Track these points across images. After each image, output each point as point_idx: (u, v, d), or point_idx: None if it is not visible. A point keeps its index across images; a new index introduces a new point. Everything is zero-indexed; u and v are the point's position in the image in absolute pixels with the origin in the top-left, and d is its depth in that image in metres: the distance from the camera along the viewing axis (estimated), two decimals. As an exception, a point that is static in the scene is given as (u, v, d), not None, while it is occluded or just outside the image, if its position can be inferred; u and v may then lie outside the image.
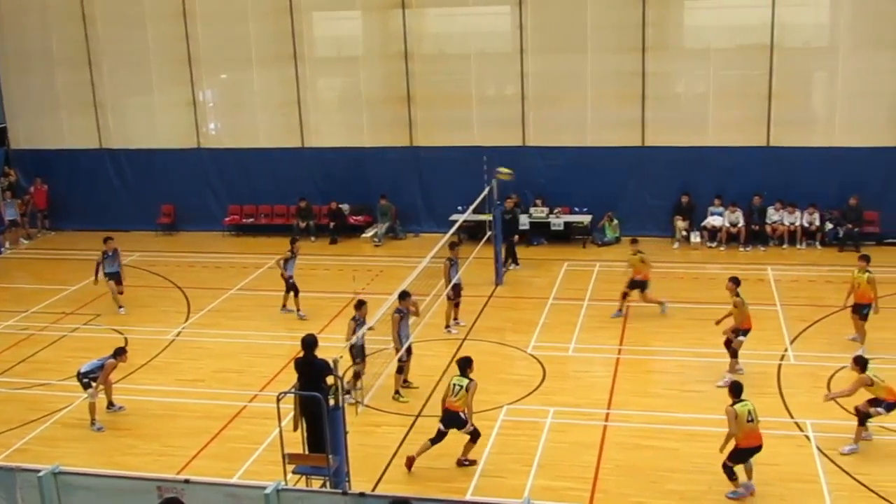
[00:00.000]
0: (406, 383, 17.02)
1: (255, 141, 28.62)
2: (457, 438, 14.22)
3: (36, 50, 29.32)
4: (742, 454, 13.04)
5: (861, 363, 14.37)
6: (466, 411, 14.07)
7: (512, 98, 26.66)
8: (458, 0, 27.13)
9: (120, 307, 21.68)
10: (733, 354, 16.87)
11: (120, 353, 16.30)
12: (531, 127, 26.57)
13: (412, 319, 16.95)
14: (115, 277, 21.76)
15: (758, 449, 13.05)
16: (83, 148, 29.58)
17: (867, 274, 17.79)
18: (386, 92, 27.45)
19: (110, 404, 16.64)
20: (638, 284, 20.08)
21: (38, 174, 29.64)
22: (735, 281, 17.07)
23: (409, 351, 16.71)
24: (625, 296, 20.14)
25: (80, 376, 16.14)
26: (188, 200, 29.00)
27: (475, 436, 14.19)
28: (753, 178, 25.12)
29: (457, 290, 19.95)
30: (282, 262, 21.00)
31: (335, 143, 28.04)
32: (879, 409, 14.16)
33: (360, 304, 16.28)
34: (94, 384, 16.00)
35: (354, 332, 15.81)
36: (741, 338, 16.77)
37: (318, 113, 28.35)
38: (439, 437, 14.09)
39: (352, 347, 15.71)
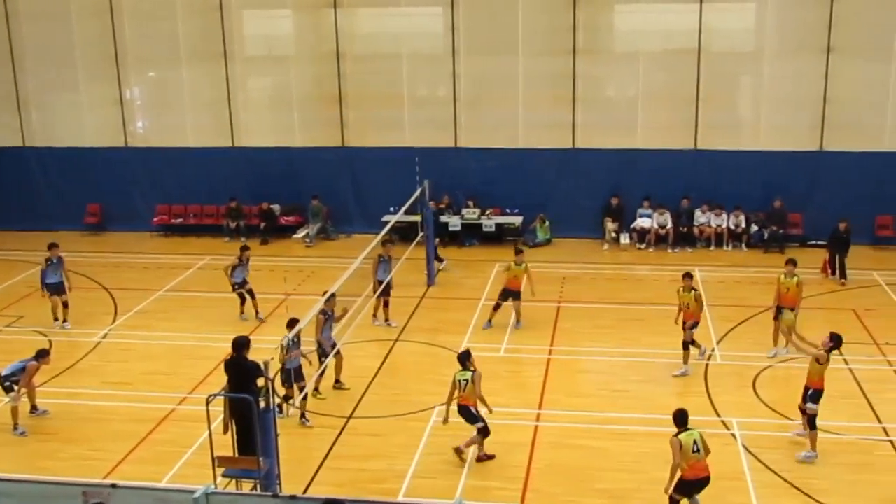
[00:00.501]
0: (338, 383, 16.98)
1: (185, 140, 28.24)
2: (385, 443, 14.21)
3: (-44, 45, 28.59)
4: (687, 486, 12.19)
5: (836, 340, 14.25)
6: (478, 403, 14.36)
7: (444, 99, 26.72)
8: (389, 0, 27.09)
9: (64, 321, 20.27)
10: (687, 347, 17.28)
11: (42, 354, 15.99)
12: (463, 128, 26.67)
13: (338, 323, 16.78)
14: (57, 289, 20.21)
15: (704, 481, 12.19)
16: (6, 146, 28.90)
17: (795, 278, 18.00)
18: (317, 91, 27.31)
19: (34, 408, 16.24)
20: (510, 294, 19.80)
21: (-42, 172, 28.91)
22: (689, 276, 17.61)
23: (337, 352, 16.62)
24: (497, 307, 19.76)
25: (2, 380, 15.77)
26: (115, 200, 28.50)
27: (484, 432, 14.34)
28: (682, 180, 25.57)
29: (386, 288, 19.90)
30: (230, 269, 20.61)
31: (266, 142, 27.82)
32: (814, 406, 14.19)
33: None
34: (16, 387, 15.64)
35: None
36: (693, 329, 17.33)
37: (249, 112, 28.09)
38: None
39: (287, 369, 15.36)
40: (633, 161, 25.75)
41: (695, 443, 12.07)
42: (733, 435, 14.98)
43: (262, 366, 12.17)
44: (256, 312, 20.69)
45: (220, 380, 14.74)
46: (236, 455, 12.54)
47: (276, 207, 27.47)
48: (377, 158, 26.89)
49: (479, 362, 17.65)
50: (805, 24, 24.57)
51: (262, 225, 27.10)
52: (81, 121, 28.83)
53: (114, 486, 8.21)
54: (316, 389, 16.64)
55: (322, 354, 16.26)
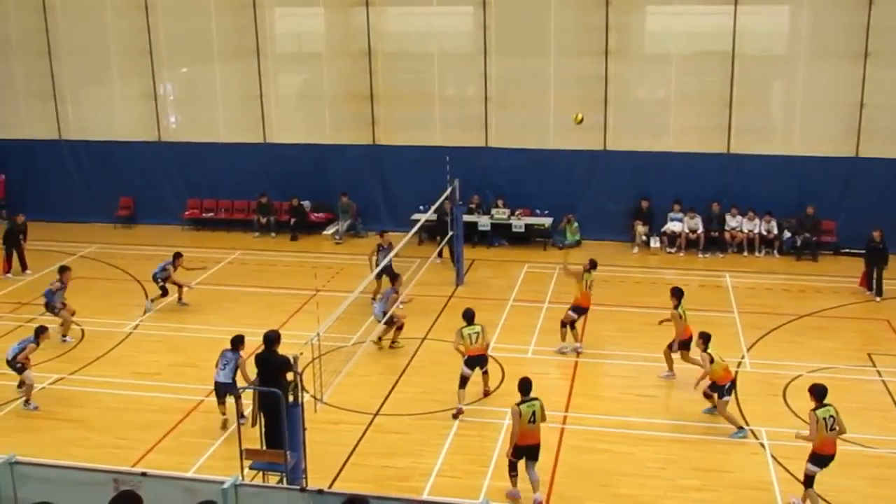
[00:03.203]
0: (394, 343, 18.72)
1: (216, 135, 28.43)
2: (406, 443, 14.21)
3: (-6, 38, 28.95)
4: (519, 451, 13.33)
5: (704, 338, 15.35)
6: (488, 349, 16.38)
7: (474, 99, 26.72)
8: (421, -1, 27.21)
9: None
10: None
11: (41, 332, 16.65)
12: (493, 128, 26.66)
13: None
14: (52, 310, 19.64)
15: (535, 447, 13.31)
16: (41, 139, 29.21)
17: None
18: (348, 89, 27.39)
19: (21, 383, 16.76)
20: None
21: (-6, 164, 29.27)
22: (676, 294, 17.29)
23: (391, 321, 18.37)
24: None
25: (10, 363, 16.39)
26: (147, 193, 28.75)
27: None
28: (712, 184, 25.39)
29: (390, 272, 19.98)
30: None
31: (296, 139, 27.93)
32: (726, 398, 15.04)
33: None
34: (28, 368, 16.38)
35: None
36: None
37: (280, 109, 28.22)
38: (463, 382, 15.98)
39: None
40: (664, 164, 25.61)
41: (532, 413, 13.24)
42: (762, 444, 14.88)
43: (292, 360, 12.25)
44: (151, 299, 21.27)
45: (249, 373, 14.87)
46: (264, 448, 12.64)
47: (306, 204, 27.58)
48: (407, 157, 26.93)
49: (505, 363, 17.78)
50: (841, 28, 24.32)
51: (292, 221, 27.20)
52: (115, 115, 29.11)
53: (144, 474, 8.28)
54: (394, 341, 18.65)
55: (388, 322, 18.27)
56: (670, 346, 17.35)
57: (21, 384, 16.81)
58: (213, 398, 16.38)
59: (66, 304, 19.59)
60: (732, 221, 25.22)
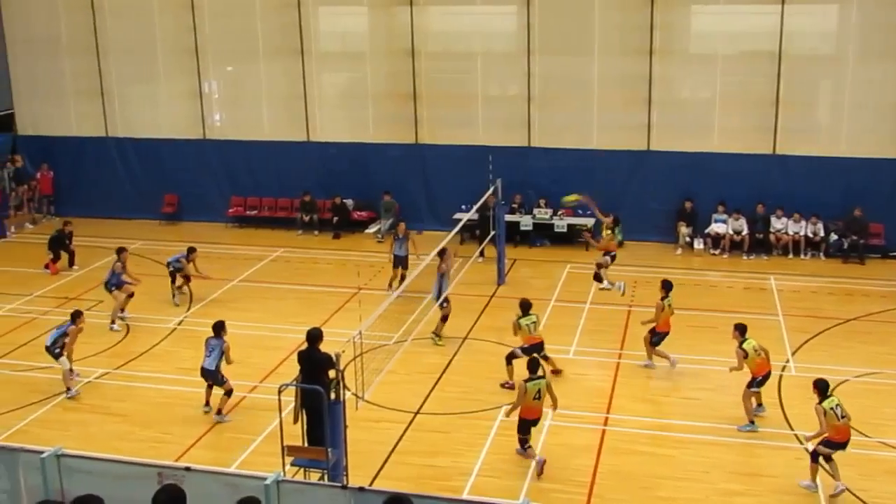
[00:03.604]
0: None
1: (260, 133, 28.65)
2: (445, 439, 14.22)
3: (44, 37, 29.37)
4: (525, 424, 14.33)
5: (740, 330, 15.50)
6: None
7: (517, 98, 26.65)
8: (465, -1, 27.21)
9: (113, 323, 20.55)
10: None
11: (77, 315, 17.19)
12: (536, 127, 26.57)
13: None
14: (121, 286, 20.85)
15: (536, 421, 14.42)
16: (89, 136, 29.62)
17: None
18: (391, 88, 27.46)
19: (70, 370, 17.12)
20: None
21: (45, 160, 29.66)
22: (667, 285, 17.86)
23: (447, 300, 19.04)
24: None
25: (49, 349, 16.85)
26: (192, 191, 29.03)
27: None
28: (757, 185, 25.09)
29: (404, 262, 21.69)
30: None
31: (339, 137, 28.05)
32: (753, 389, 15.32)
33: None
34: (64, 352, 16.78)
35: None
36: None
37: (323, 107, 28.35)
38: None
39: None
40: (708, 164, 25.37)
41: (538, 391, 14.17)
42: (806, 449, 14.68)
43: (334, 358, 12.30)
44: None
45: (290, 370, 14.99)
46: (305, 445, 12.70)
47: (349, 202, 27.69)
48: (449, 156, 26.93)
49: (546, 363, 17.70)
50: (891, 27, 23.91)
51: (335, 219, 27.32)
52: (161, 113, 29.44)
53: (188, 468, 8.35)
54: (436, 334, 18.97)
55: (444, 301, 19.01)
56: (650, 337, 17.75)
57: (72, 373, 17.19)
58: (257, 394, 16.57)
59: (125, 285, 20.62)
60: (778, 223, 24.93)
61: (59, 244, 24.25)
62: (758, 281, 22.97)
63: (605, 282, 20.13)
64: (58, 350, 16.91)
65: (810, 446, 13.67)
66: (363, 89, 27.93)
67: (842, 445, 13.38)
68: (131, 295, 20.74)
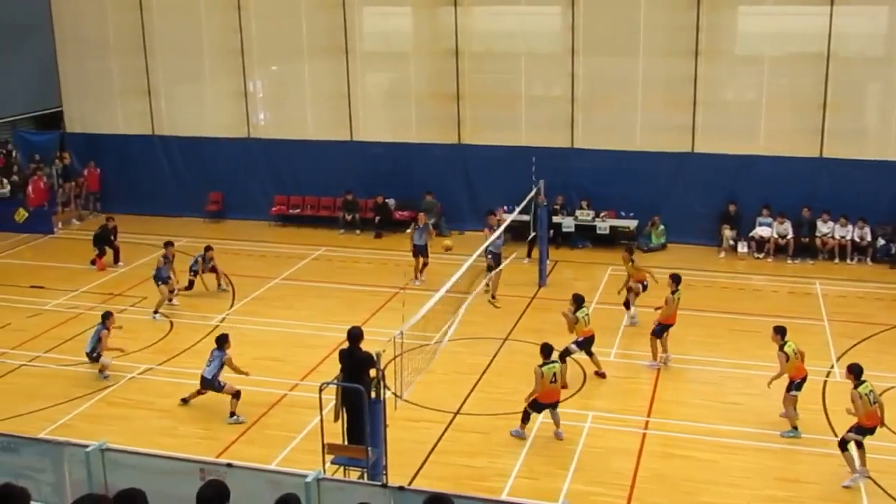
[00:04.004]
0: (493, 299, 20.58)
1: (304, 133, 28.83)
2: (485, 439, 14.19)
3: (93, 36, 29.82)
4: (539, 406, 15.09)
5: (780, 332, 15.51)
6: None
7: (560, 99, 26.55)
8: (509, -1, 27.16)
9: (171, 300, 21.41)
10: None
11: (106, 317, 17.62)
12: (579, 128, 26.45)
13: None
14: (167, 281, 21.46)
15: (555, 404, 15.19)
16: (135, 133, 29.98)
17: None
18: (434, 88, 27.48)
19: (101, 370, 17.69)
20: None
21: (91, 158, 30.06)
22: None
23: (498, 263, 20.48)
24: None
25: (89, 355, 17.44)
26: (236, 189, 29.26)
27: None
28: (803, 188, 24.76)
29: (424, 251, 22.58)
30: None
31: (382, 137, 28.14)
32: (794, 393, 15.30)
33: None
34: (103, 354, 17.38)
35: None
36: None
37: (367, 107, 28.45)
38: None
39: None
40: (753, 167, 25.09)
41: (553, 374, 14.96)
42: (851, 457, 14.49)
43: (375, 357, 12.34)
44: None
45: (331, 368, 15.06)
46: (345, 443, 12.75)
47: (390, 202, 27.76)
48: (492, 157, 26.90)
49: (587, 366, 17.66)
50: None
51: (377, 219, 27.39)
52: (206, 111, 29.73)
53: (229, 465, 8.42)
54: (493, 296, 20.48)
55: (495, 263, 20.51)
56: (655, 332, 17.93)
57: (102, 371, 17.57)
58: (297, 392, 16.69)
59: (170, 279, 21.26)
60: (824, 227, 24.59)
61: (104, 240, 24.56)
62: (803, 285, 22.68)
63: (634, 309, 20.03)
64: (96, 355, 17.43)
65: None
66: (406, 89, 27.99)
67: (871, 430, 13.65)
68: (173, 291, 21.30)
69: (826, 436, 15.16)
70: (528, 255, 23.68)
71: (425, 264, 22.63)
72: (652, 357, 17.95)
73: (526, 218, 23.24)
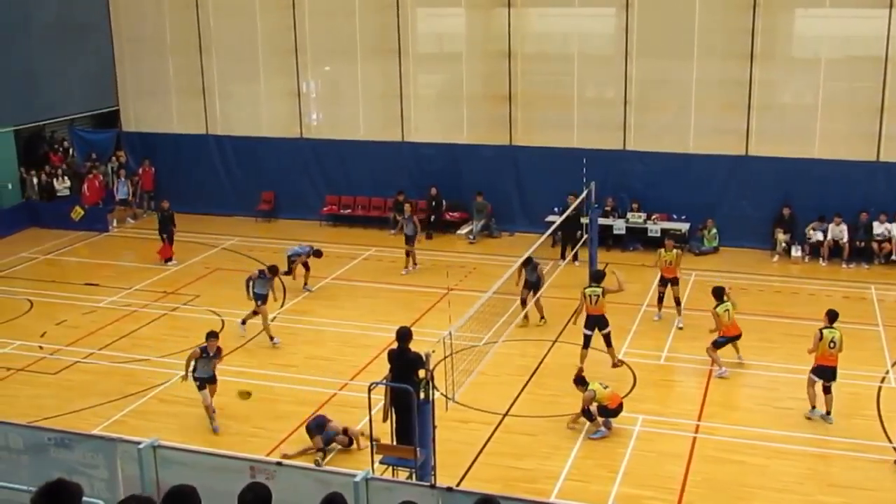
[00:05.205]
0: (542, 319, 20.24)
1: (356, 133, 28.98)
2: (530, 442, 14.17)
3: (150, 36, 30.25)
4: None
5: (831, 316, 15.91)
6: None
7: (614, 101, 26.39)
8: (563, 1, 27.00)
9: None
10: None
11: (211, 336, 16.02)
12: (632, 131, 26.27)
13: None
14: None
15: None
16: (190, 133, 30.35)
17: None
18: (486, 90, 27.48)
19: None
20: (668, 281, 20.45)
21: (146, 156, 30.49)
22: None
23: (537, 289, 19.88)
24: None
25: (196, 380, 15.91)
26: (288, 188, 29.48)
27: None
28: (859, 193, 24.33)
29: (411, 241, 23.80)
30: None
31: (434, 138, 28.16)
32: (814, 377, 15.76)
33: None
34: (206, 384, 15.89)
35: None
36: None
37: (419, 108, 28.50)
38: (587, 341, 17.68)
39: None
40: (808, 171, 24.70)
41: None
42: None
43: (424, 357, 12.37)
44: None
45: (381, 368, 15.12)
46: (394, 443, 12.80)
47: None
48: (543, 158, 26.81)
49: (637, 369, 17.56)
50: None
51: (431, 218, 27.34)
52: (260, 111, 30.01)
53: (279, 463, 8.49)
54: (542, 317, 20.26)
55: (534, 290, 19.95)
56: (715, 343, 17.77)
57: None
58: (347, 392, 16.79)
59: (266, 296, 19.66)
60: (879, 228, 24.13)
61: (165, 227, 24.74)
62: (858, 290, 22.32)
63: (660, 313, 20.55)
64: (199, 383, 15.85)
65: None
66: (458, 90, 28.01)
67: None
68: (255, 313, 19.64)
69: (881, 442, 14.92)
70: (575, 257, 23.53)
71: (412, 254, 23.99)
72: (715, 364, 17.59)
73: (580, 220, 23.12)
